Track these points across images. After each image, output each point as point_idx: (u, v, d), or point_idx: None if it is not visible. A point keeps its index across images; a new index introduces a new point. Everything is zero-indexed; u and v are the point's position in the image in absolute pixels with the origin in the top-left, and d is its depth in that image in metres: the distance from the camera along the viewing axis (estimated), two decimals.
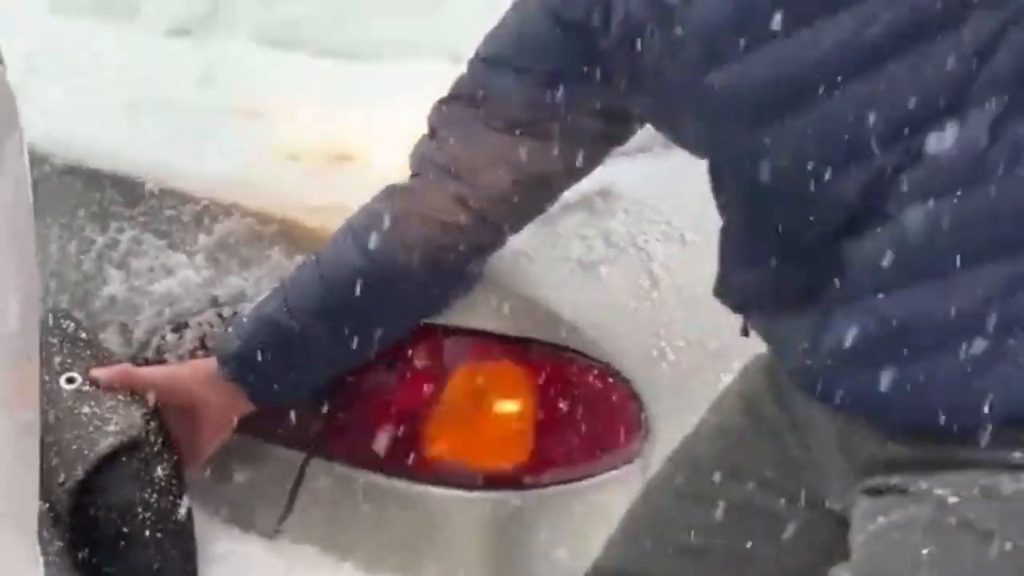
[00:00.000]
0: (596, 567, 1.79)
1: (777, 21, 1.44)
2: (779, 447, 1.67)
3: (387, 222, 1.80)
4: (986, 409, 1.43)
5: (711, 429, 1.76)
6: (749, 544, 1.69)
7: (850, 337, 1.47)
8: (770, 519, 1.67)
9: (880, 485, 1.52)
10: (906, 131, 1.42)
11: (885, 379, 1.47)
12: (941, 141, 1.42)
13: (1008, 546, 1.43)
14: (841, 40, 1.42)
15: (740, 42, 1.47)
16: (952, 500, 1.45)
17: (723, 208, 1.61)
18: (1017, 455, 1.43)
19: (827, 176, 1.46)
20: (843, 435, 1.56)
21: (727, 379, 1.90)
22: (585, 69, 1.70)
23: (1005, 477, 1.44)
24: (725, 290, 1.65)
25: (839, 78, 1.44)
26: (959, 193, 1.39)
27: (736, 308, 1.65)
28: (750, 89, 1.47)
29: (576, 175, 1.83)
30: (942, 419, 1.45)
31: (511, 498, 1.93)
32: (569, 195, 1.92)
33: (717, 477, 1.72)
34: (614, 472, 1.98)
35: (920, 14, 1.40)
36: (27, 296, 1.30)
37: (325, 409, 1.95)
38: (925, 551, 1.46)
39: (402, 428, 1.95)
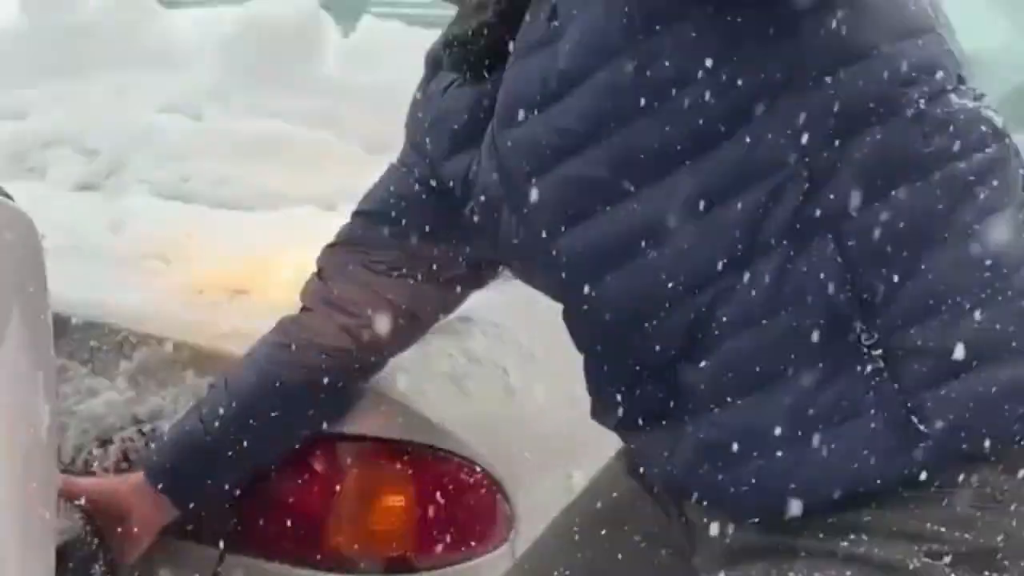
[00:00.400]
0: None
1: (604, 197, 1.57)
2: (659, 508, 1.75)
3: (284, 349, 1.90)
4: (810, 495, 1.53)
5: (595, 490, 1.84)
6: None
7: (698, 447, 1.58)
8: (657, 569, 1.76)
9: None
10: (715, 276, 1.53)
11: (729, 479, 1.57)
12: (742, 283, 1.52)
13: None
14: (657, 208, 1.53)
15: (578, 216, 1.59)
16: None
17: (576, 342, 1.72)
18: (843, 544, 1.53)
19: (656, 317, 1.57)
20: (702, 525, 1.67)
21: (577, 473, 1.99)
22: (450, 227, 1.81)
23: (827, 567, 1.53)
24: (596, 412, 1.75)
25: (659, 237, 1.55)
26: (764, 322, 1.51)
27: (609, 427, 1.74)
28: (589, 252, 1.59)
29: (446, 310, 1.97)
30: (779, 506, 1.54)
31: None
32: None
33: (606, 528, 1.80)
34: (486, 556, 2.05)
35: (717, 180, 1.51)
36: (53, 410, 1.45)
37: (238, 510, 1.99)
38: None
39: (305, 523, 2.00)
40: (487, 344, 2.14)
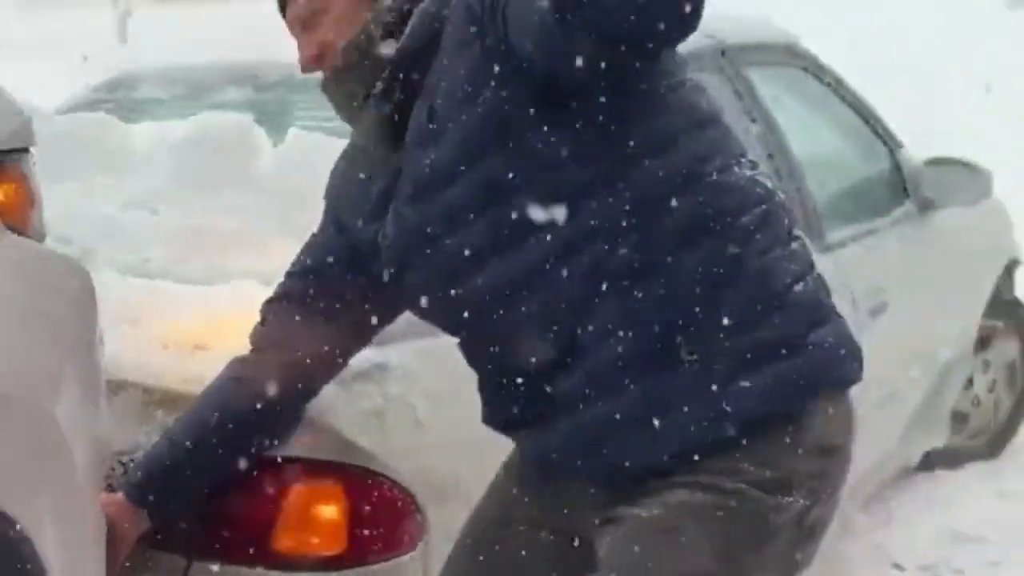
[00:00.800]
0: None
1: (484, 257, 1.87)
2: (538, 495, 2.02)
3: (235, 382, 2.11)
4: (652, 461, 1.86)
5: (490, 497, 2.11)
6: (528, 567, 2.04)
7: (570, 435, 1.89)
8: (541, 546, 2.04)
9: (602, 518, 1.91)
10: (573, 310, 1.85)
11: (592, 456, 1.89)
12: (594, 315, 1.83)
13: (686, 536, 1.84)
14: (524, 263, 1.86)
15: (465, 271, 1.89)
16: (645, 514, 1.87)
17: (469, 363, 2.01)
18: (678, 479, 1.85)
19: (530, 343, 1.88)
20: (571, 490, 1.97)
21: (475, 488, 2.15)
22: (362, 280, 2.06)
23: (671, 492, 1.85)
24: (486, 417, 2.03)
25: (527, 285, 1.86)
26: (611, 342, 1.83)
27: (497, 428, 2.02)
28: (474, 296, 1.90)
29: (361, 346, 2.17)
30: (630, 471, 1.87)
31: None
32: (357, 368, 2.22)
33: (495, 528, 2.07)
34: (404, 556, 2.25)
35: (569, 241, 1.82)
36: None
37: (202, 522, 2.16)
38: (637, 548, 1.86)
39: (259, 531, 2.18)
40: (400, 387, 2.32)
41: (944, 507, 4.09)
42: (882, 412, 3.84)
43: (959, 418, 4.63)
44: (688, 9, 1.65)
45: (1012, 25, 11.33)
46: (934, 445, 4.47)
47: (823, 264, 3.37)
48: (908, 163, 4.21)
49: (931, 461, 4.52)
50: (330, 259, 2.11)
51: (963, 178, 4.18)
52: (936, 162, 4.20)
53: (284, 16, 2.06)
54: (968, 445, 4.70)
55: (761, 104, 3.63)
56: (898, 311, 3.79)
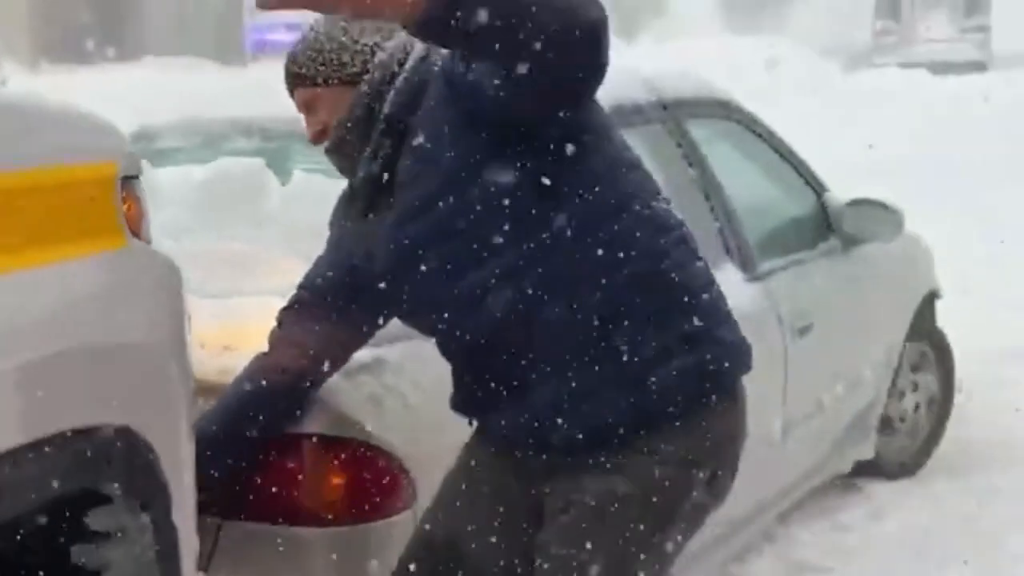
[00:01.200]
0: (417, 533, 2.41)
1: (456, 269, 2.16)
2: (498, 465, 2.35)
3: (257, 373, 2.45)
4: (590, 432, 2.19)
5: (460, 467, 2.43)
6: (496, 522, 2.35)
7: (520, 414, 2.23)
8: (504, 507, 2.34)
9: (545, 488, 2.25)
10: (530, 308, 2.12)
11: (542, 429, 2.21)
12: (548, 316, 2.12)
13: (627, 516, 2.17)
14: (486, 275, 2.14)
15: (437, 281, 2.17)
16: (593, 503, 2.19)
17: (444, 355, 2.33)
18: (600, 458, 2.19)
19: (484, 345, 2.20)
20: (524, 460, 2.31)
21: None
22: (359, 291, 2.35)
23: (611, 478, 2.17)
24: (456, 403, 2.35)
25: (490, 292, 2.14)
26: (562, 337, 2.15)
27: (465, 412, 2.35)
28: (447, 301, 2.21)
29: (359, 344, 2.50)
30: (573, 441, 2.20)
31: (343, 532, 2.53)
32: (359, 362, 2.54)
33: (464, 486, 2.40)
34: (398, 516, 2.56)
35: (520, 255, 2.11)
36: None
37: (233, 489, 2.47)
38: (586, 524, 2.18)
39: (280, 494, 2.49)
40: (394, 378, 2.64)
41: (788, 540, 4.39)
42: (810, 422, 4.20)
43: (890, 431, 4.94)
44: (595, 58, 2.01)
45: (848, 86, 11.92)
46: (864, 456, 4.78)
47: (754, 290, 3.86)
48: (833, 204, 4.50)
49: (862, 470, 4.83)
50: (333, 275, 2.45)
51: (880, 217, 4.44)
52: (857, 203, 4.46)
53: (293, 99, 2.43)
54: (895, 459, 5.01)
55: (699, 152, 3.95)
56: (824, 332, 4.11)
